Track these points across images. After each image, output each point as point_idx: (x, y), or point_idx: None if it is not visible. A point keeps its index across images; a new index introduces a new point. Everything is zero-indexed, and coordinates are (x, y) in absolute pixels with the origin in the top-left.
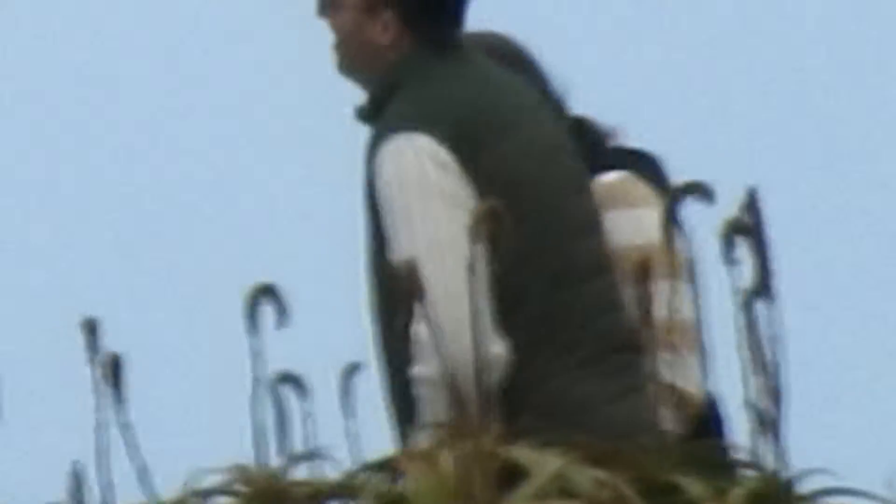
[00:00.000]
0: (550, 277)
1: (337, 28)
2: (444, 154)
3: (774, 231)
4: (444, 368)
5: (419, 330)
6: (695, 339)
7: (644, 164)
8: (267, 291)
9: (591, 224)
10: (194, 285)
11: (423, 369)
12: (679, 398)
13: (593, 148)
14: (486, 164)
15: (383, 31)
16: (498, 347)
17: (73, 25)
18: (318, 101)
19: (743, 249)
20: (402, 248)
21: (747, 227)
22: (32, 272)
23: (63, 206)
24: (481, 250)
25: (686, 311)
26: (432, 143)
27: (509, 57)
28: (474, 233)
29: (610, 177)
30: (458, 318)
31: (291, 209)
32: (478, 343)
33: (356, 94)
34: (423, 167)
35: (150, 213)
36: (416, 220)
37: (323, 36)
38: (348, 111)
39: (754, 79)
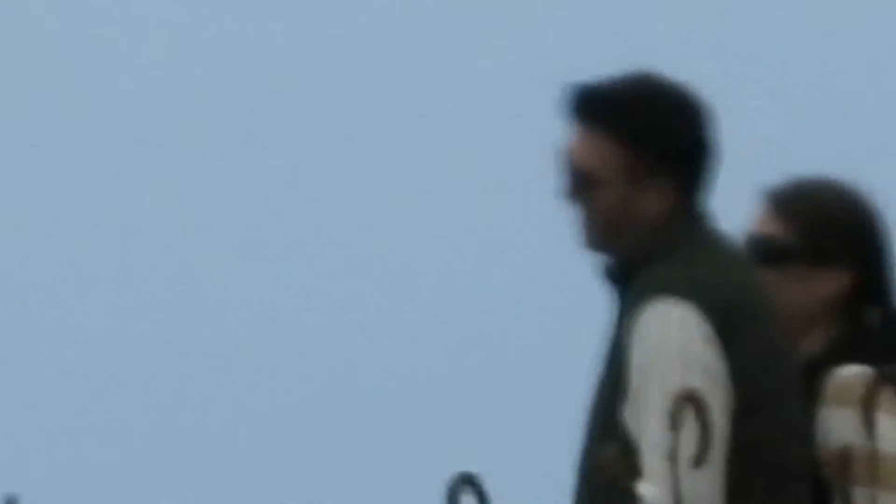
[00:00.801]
0: (770, 475)
1: (599, 206)
2: (708, 328)
3: None
4: None
5: None
6: None
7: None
8: (468, 481)
9: (806, 428)
10: (394, 473)
11: None
12: None
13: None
14: (735, 351)
15: (658, 200)
16: None
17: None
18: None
19: None
20: (650, 410)
21: None
22: None
23: None
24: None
25: None
26: (700, 314)
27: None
28: (675, 418)
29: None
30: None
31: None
32: None
33: None
34: (690, 335)
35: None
36: (671, 386)
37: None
38: None
39: None
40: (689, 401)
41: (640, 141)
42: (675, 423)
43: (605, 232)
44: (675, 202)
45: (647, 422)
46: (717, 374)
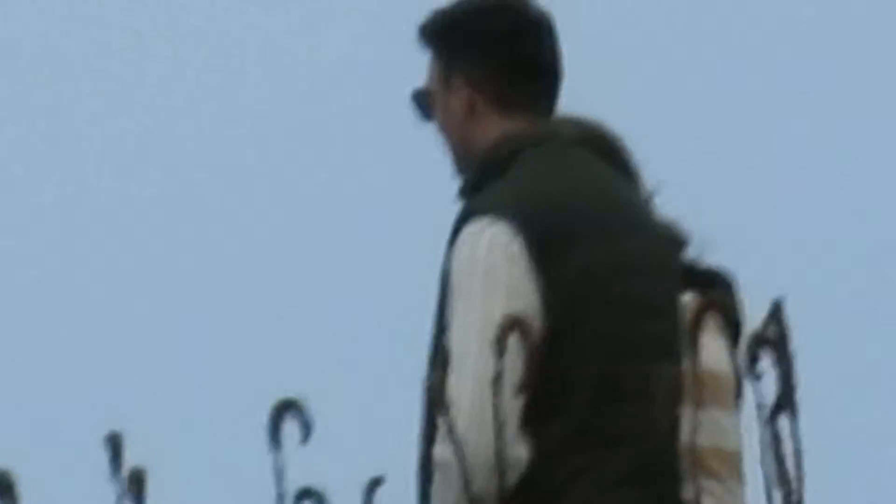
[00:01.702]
0: (592, 394)
1: (440, 129)
2: (520, 246)
3: (799, 342)
4: (461, 462)
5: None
6: (738, 467)
7: (712, 281)
8: (290, 406)
9: (654, 348)
10: (219, 400)
11: (440, 451)
12: None
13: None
14: (555, 270)
15: (490, 125)
16: (520, 451)
17: None
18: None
19: (766, 363)
20: (456, 335)
21: (771, 340)
22: (56, 386)
23: (86, 320)
24: (507, 361)
25: (732, 440)
26: (513, 232)
27: (602, 149)
28: (499, 344)
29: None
30: (475, 419)
31: (318, 320)
32: (499, 444)
33: None
34: (499, 255)
35: (174, 324)
36: (474, 307)
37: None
38: None
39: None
40: (513, 328)
41: (453, 54)
42: (485, 348)
43: (454, 156)
44: (509, 126)
45: (456, 343)
46: (524, 292)
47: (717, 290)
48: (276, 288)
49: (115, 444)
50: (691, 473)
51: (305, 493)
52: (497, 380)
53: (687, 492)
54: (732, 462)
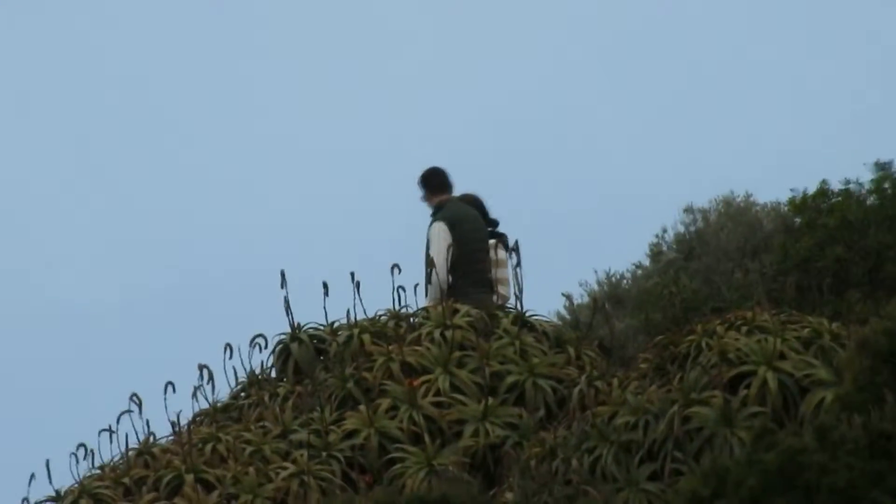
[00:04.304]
0: (468, 260)
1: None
2: (446, 227)
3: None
4: (437, 282)
5: (434, 274)
6: (507, 283)
7: (499, 235)
8: None
9: (485, 250)
10: None
11: (433, 283)
12: (501, 297)
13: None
14: (456, 231)
15: (438, 198)
16: (449, 278)
17: None
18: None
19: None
20: (432, 252)
21: (512, 247)
22: None
23: None
24: (446, 254)
25: (504, 273)
26: (444, 224)
27: (472, 201)
28: (445, 249)
29: (491, 241)
30: (441, 271)
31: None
32: (442, 277)
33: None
34: (441, 229)
35: None
36: (436, 245)
37: None
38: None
39: None
40: (448, 246)
41: (425, 187)
42: (440, 256)
43: (431, 206)
44: (441, 199)
45: (434, 254)
46: (448, 237)
47: (500, 235)
48: None
49: None
50: (494, 284)
51: None
52: (446, 258)
53: (494, 289)
54: (504, 281)
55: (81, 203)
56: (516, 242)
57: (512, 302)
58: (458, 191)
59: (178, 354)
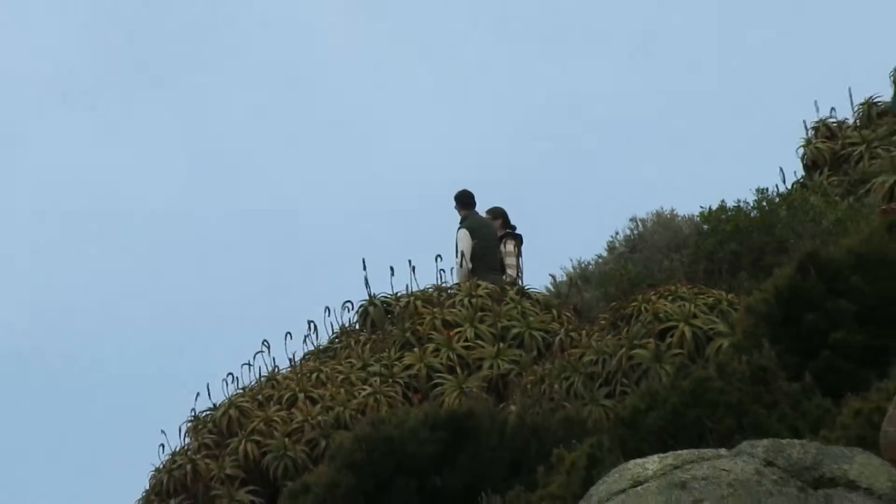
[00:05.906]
0: (484, 253)
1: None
2: (468, 232)
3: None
4: (465, 268)
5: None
6: (513, 265)
7: (516, 235)
8: None
9: (496, 246)
10: None
11: (462, 267)
12: (508, 276)
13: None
14: (475, 235)
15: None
16: (470, 265)
17: None
18: None
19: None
20: (461, 247)
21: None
22: None
23: None
24: (470, 249)
25: (511, 260)
26: (467, 230)
27: (498, 212)
28: (469, 247)
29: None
30: (467, 260)
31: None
32: (468, 264)
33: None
34: (466, 233)
35: None
36: (462, 243)
37: None
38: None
39: None
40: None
41: (458, 202)
42: (467, 250)
43: (460, 216)
44: (467, 212)
45: (462, 249)
46: (470, 240)
47: (517, 235)
48: None
49: None
50: (503, 268)
51: None
52: (470, 252)
53: (504, 271)
54: (511, 266)
55: None
56: (521, 239)
57: (516, 279)
58: (487, 204)
59: (293, 312)
